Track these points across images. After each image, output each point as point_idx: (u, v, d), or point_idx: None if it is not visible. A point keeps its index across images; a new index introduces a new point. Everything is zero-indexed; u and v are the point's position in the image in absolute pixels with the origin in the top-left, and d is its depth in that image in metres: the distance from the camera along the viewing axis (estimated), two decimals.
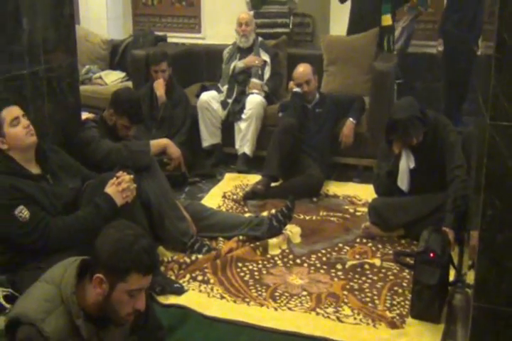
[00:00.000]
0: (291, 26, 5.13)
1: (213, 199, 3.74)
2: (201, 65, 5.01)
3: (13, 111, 2.44)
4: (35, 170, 2.51)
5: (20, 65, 2.71)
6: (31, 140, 2.46)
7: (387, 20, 4.63)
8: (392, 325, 2.46)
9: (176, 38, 5.77)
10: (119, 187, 2.57)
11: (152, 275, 1.61)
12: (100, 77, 5.12)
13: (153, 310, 1.89)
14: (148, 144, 3.16)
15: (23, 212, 2.34)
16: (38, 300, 1.60)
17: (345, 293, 2.70)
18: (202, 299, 2.65)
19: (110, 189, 2.57)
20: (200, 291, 2.71)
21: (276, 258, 3.02)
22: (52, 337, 1.55)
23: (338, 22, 5.06)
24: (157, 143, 3.28)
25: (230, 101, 4.33)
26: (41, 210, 2.42)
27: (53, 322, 1.56)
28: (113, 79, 5.12)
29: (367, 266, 2.92)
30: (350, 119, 4.04)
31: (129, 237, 1.58)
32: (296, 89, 4.00)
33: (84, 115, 3.38)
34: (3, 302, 2.40)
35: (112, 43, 5.40)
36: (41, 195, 2.44)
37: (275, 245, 3.10)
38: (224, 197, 3.79)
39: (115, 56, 5.36)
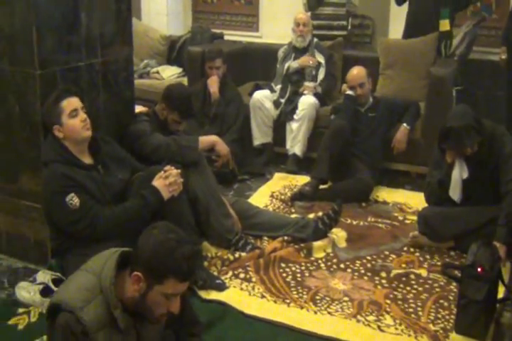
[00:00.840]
0: (349, 28, 5.06)
1: (261, 198, 3.73)
2: (256, 64, 4.99)
3: (74, 102, 2.50)
4: (87, 160, 2.57)
5: (77, 57, 2.76)
6: (87, 134, 2.51)
7: (444, 25, 4.51)
8: (435, 338, 2.39)
9: (233, 35, 5.77)
10: (166, 180, 2.60)
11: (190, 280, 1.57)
12: (157, 72, 5.20)
13: (190, 305, 1.89)
14: (198, 140, 3.17)
15: (73, 200, 2.40)
16: (79, 289, 1.61)
17: (388, 302, 2.64)
18: (242, 297, 2.65)
19: (157, 182, 2.60)
20: (242, 289, 2.72)
21: (319, 261, 2.99)
22: (90, 325, 1.56)
23: (398, 25, 4.95)
24: (206, 140, 3.29)
25: (282, 101, 4.32)
26: (91, 199, 2.47)
27: (92, 311, 1.57)
28: (170, 74, 5.20)
29: (412, 276, 2.85)
30: (404, 125, 3.96)
31: (171, 242, 1.56)
32: (349, 92, 3.94)
33: (138, 108, 3.42)
34: (52, 286, 2.50)
35: (170, 39, 5.48)
36: (92, 185, 2.49)
37: (320, 248, 3.07)
38: (272, 196, 3.77)
39: (173, 52, 5.44)
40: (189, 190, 2.84)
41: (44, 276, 2.56)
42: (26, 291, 2.54)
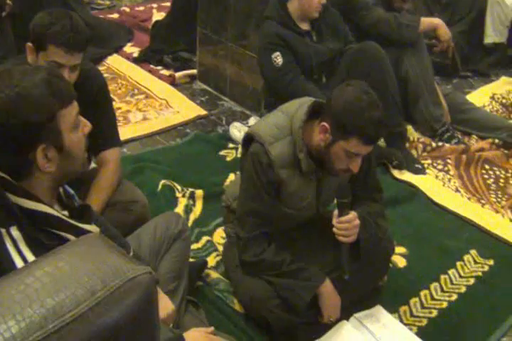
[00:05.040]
0: None
1: (479, 97, 3.41)
2: None
3: None
4: (303, 26, 2.56)
5: None
6: (315, 16, 2.50)
7: None
8: None
9: None
10: None
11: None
12: None
13: (375, 172, 1.84)
14: (419, 20, 2.93)
15: (277, 58, 2.48)
16: (271, 126, 1.66)
17: None
18: (435, 186, 2.54)
19: None
20: (437, 178, 2.61)
21: None
22: (275, 160, 1.61)
23: None
24: (428, 21, 3.01)
25: None
26: (293, 63, 2.48)
27: (279, 147, 1.62)
28: None
29: None
30: None
31: (362, 103, 1.50)
32: None
33: None
34: None
35: None
36: (302, 49, 2.50)
37: None
38: (492, 98, 3.43)
39: None
40: (401, 69, 2.73)
41: (255, 121, 2.78)
42: (238, 130, 2.83)
